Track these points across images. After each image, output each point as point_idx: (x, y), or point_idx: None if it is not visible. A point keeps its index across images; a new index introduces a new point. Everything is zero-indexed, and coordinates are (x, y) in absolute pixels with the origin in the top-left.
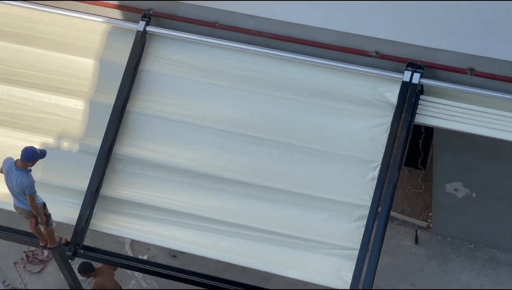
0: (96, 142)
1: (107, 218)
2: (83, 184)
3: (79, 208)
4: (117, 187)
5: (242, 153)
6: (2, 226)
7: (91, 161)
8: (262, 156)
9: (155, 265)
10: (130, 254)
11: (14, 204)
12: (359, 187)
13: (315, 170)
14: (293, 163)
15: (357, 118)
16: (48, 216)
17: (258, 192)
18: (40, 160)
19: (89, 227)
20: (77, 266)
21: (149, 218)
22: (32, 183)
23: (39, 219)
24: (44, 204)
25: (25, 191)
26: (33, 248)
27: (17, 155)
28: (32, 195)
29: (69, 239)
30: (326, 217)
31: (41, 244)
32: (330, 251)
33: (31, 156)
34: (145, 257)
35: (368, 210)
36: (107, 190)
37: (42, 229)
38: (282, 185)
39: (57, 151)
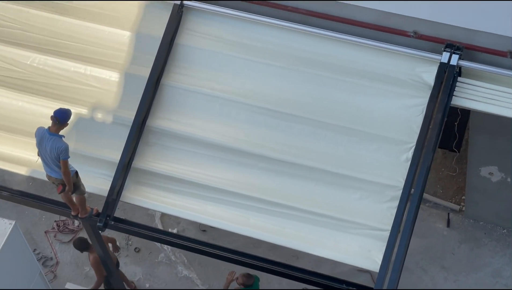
0: (130, 114)
1: (139, 191)
2: (116, 155)
3: (111, 179)
4: (149, 160)
5: (274, 130)
6: (34, 195)
7: (124, 133)
8: (294, 133)
9: (184, 239)
10: (160, 227)
11: (46, 173)
12: (392, 167)
13: (348, 149)
14: (326, 141)
15: (393, 98)
16: (79, 185)
17: (290, 169)
18: (74, 130)
19: (120, 199)
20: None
21: (180, 192)
22: (66, 147)
23: (67, 187)
24: (76, 173)
25: (59, 157)
26: (64, 218)
27: (48, 124)
28: (66, 161)
29: (100, 210)
30: (358, 196)
31: (72, 213)
32: (360, 231)
33: (65, 116)
34: (174, 231)
35: (401, 191)
36: (139, 162)
37: (73, 199)
38: (314, 163)
39: (91, 122)
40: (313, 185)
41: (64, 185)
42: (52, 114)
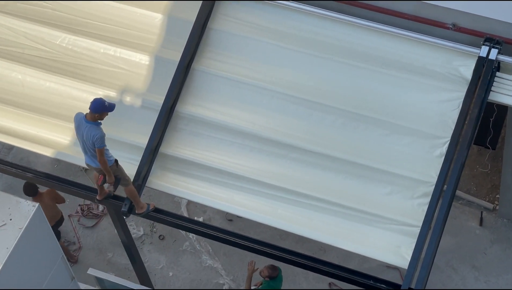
0: (159, 99)
1: (165, 177)
2: (143, 140)
3: (137, 164)
4: (177, 146)
5: (306, 120)
6: (59, 177)
7: (152, 118)
8: (326, 124)
9: (210, 227)
10: (185, 215)
11: (85, 161)
12: (425, 162)
13: (380, 142)
14: (358, 133)
15: (428, 91)
16: (121, 176)
17: (320, 160)
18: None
19: (146, 185)
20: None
21: (207, 179)
22: (102, 136)
23: (107, 177)
24: (116, 162)
25: (94, 144)
26: (88, 202)
27: (78, 107)
28: (101, 149)
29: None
30: (388, 191)
31: (97, 197)
32: (390, 226)
33: (98, 107)
34: (200, 219)
35: (433, 187)
36: (166, 148)
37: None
38: (345, 155)
39: (119, 105)
40: (343, 178)
41: (104, 176)
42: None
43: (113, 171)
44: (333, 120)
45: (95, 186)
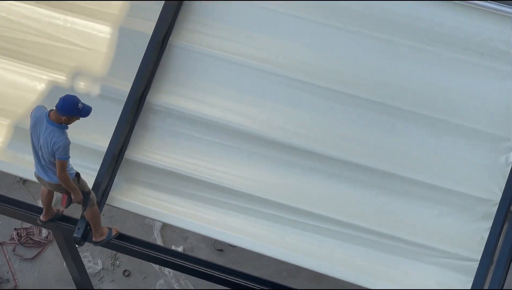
0: (125, 86)
1: (132, 191)
2: (103, 142)
3: (95, 174)
4: (149, 150)
5: (324, 115)
6: None
7: (116, 112)
8: (352, 120)
9: (193, 260)
10: (159, 243)
11: (35, 173)
12: (486, 173)
13: (425, 145)
14: (395, 133)
15: (490, 77)
16: (87, 192)
17: (343, 170)
18: (47, 105)
19: (106, 202)
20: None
21: (190, 195)
22: (66, 145)
23: (72, 196)
24: (78, 175)
25: (54, 154)
26: (27, 225)
27: (16, 97)
28: (64, 162)
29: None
30: (436, 213)
31: (41, 218)
32: (439, 260)
33: (68, 108)
34: (180, 249)
35: (497, 207)
36: (134, 153)
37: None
38: (377, 163)
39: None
40: (374, 195)
41: (68, 194)
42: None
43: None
44: (361, 116)
45: (40, 204)
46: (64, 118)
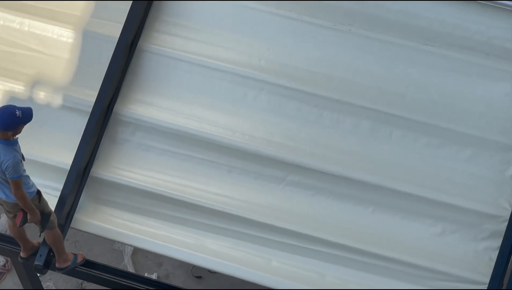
0: (90, 95)
1: (99, 213)
2: (66, 158)
3: (58, 194)
4: (118, 166)
5: (313, 124)
6: None
7: (80, 124)
8: (344, 129)
9: (168, 288)
10: (131, 270)
11: None
12: (494, 186)
13: (425, 156)
14: (392, 143)
15: (496, 78)
16: (47, 213)
17: (335, 185)
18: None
19: (71, 225)
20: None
21: (164, 216)
22: (16, 162)
23: (28, 215)
24: (38, 193)
25: (5, 173)
26: None
27: None
28: (17, 181)
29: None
30: (439, 231)
31: (21, 255)
32: (442, 283)
33: (8, 121)
34: (154, 276)
35: (506, 223)
36: (101, 170)
37: (24, 234)
38: (372, 177)
39: (28, 106)
40: (370, 212)
41: (25, 213)
42: None
43: (35, 207)
44: (354, 124)
45: (11, 234)
46: (10, 132)
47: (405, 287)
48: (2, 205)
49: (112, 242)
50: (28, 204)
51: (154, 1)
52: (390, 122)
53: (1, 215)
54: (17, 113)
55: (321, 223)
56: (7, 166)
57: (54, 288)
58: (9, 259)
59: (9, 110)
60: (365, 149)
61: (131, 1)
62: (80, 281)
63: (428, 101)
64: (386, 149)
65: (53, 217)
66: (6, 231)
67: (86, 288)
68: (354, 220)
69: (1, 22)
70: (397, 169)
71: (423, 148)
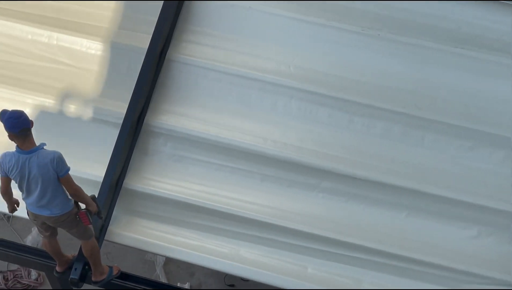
0: (120, 107)
1: (133, 224)
2: (99, 171)
3: None
4: (150, 177)
5: (344, 130)
6: None
7: (111, 136)
8: (376, 134)
9: None
10: (163, 280)
11: (28, 212)
12: None
13: (459, 159)
14: (425, 147)
15: None
16: (99, 210)
17: (368, 191)
18: (34, 131)
19: (105, 238)
20: None
21: (197, 225)
22: (61, 155)
23: (88, 207)
24: (76, 204)
25: (57, 173)
26: (14, 267)
27: None
28: (69, 175)
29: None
30: (475, 234)
31: (57, 269)
32: (480, 286)
33: (24, 116)
34: (186, 286)
35: None
36: (134, 181)
37: (59, 248)
38: (405, 181)
39: (59, 120)
40: (404, 216)
41: (87, 213)
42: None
43: (72, 221)
44: (386, 129)
45: (28, 242)
46: (31, 128)
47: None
48: (41, 225)
49: (144, 252)
50: (85, 195)
51: (182, 11)
52: (421, 126)
53: (32, 229)
54: (24, 117)
55: (355, 229)
56: (57, 162)
57: None
58: (41, 273)
59: (12, 111)
60: (397, 154)
61: (159, 12)
62: None
63: (460, 103)
64: (419, 153)
65: (90, 228)
66: (37, 245)
67: None
68: (388, 225)
69: (30, 37)
70: (430, 173)
71: (455, 151)
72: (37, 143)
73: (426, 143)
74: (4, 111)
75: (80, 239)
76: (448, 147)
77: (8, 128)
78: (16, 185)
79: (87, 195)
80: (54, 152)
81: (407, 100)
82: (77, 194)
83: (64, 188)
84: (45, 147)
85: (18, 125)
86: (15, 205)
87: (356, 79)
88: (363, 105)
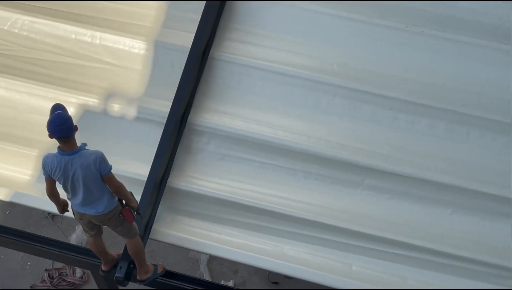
0: (163, 106)
1: (177, 223)
2: (142, 170)
3: None
4: (194, 176)
5: (388, 127)
6: (13, 230)
7: (155, 135)
8: (420, 131)
9: None
10: (207, 278)
11: (73, 211)
12: None
13: (504, 155)
14: (470, 143)
15: None
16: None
17: (413, 188)
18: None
19: (149, 236)
20: None
21: (241, 223)
22: (103, 154)
23: (131, 204)
24: (120, 202)
25: (100, 172)
26: (59, 265)
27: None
28: (112, 174)
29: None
30: None
31: (102, 268)
32: None
33: (68, 126)
34: (230, 283)
35: None
36: (178, 180)
37: (103, 246)
38: (450, 178)
39: (102, 119)
40: (449, 213)
41: (131, 210)
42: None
43: (117, 219)
44: (430, 126)
45: (73, 241)
46: (73, 134)
47: (487, 287)
48: (87, 224)
49: (187, 250)
50: (126, 191)
51: (225, 10)
52: (466, 122)
53: (76, 227)
54: (59, 112)
55: (400, 226)
56: (99, 162)
57: None
58: (85, 271)
59: (55, 116)
60: (442, 150)
61: (202, 10)
62: None
63: (504, 99)
64: (463, 149)
65: (134, 226)
66: (82, 243)
67: None
68: (433, 222)
69: (73, 36)
70: (475, 169)
71: (501, 148)
72: (79, 143)
73: (471, 139)
74: (57, 106)
75: (125, 237)
76: (493, 144)
77: (49, 130)
78: (61, 186)
79: (129, 192)
80: (96, 152)
81: (451, 97)
82: (120, 191)
83: (108, 186)
84: (86, 147)
85: (59, 131)
86: (65, 206)
87: (400, 76)
88: (407, 102)
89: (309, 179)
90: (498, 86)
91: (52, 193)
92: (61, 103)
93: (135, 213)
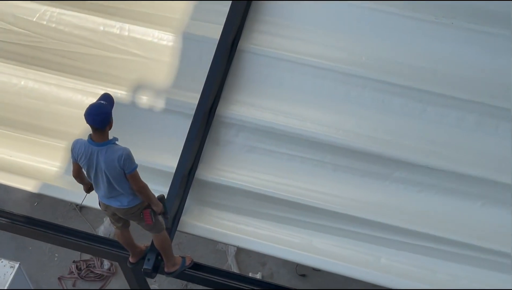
0: (192, 98)
1: (205, 215)
2: (171, 162)
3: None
4: (222, 168)
5: (418, 119)
6: (41, 221)
7: (184, 127)
8: (449, 124)
9: (273, 288)
10: (235, 270)
11: (100, 202)
12: None
13: None
14: (499, 136)
15: None
16: (164, 207)
17: (442, 181)
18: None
19: (178, 228)
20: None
21: (269, 216)
22: (129, 152)
23: (153, 207)
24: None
25: (123, 170)
26: (87, 257)
27: (72, 117)
28: (136, 173)
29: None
30: None
31: (130, 260)
32: None
33: (105, 116)
34: (258, 276)
35: None
36: (206, 172)
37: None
38: (480, 170)
39: (131, 111)
40: (478, 206)
41: (152, 212)
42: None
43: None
44: (460, 118)
45: (100, 233)
46: (107, 128)
47: None
48: (112, 216)
49: (215, 243)
50: (151, 194)
51: (253, 1)
52: (496, 115)
53: (104, 219)
54: (106, 104)
55: (429, 219)
56: (124, 159)
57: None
58: (113, 263)
59: (100, 105)
60: (471, 143)
61: (230, 2)
62: (185, 282)
63: None
64: (493, 142)
65: (161, 221)
66: (109, 235)
67: (191, 289)
68: (463, 215)
69: (102, 28)
70: (506, 162)
71: None
72: (111, 137)
73: (501, 132)
74: (105, 96)
75: (151, 232)
76: None
77: (84, 114)
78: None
79: (153, 194)
80: (123, 149)
81: (481, 89)
82: (143, 191)
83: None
84: (117, 142)
85: (91, 120)
86: (91, 186)
87: (430, 68)
88: (437, 95)
89: (338, 172)
90: None
91: (78, 175)
92: (109, 93)
93: (162, 216)
